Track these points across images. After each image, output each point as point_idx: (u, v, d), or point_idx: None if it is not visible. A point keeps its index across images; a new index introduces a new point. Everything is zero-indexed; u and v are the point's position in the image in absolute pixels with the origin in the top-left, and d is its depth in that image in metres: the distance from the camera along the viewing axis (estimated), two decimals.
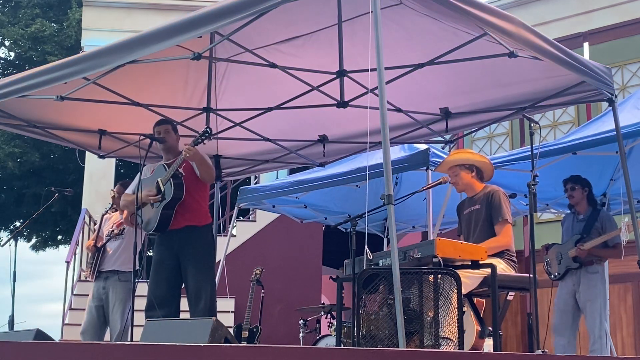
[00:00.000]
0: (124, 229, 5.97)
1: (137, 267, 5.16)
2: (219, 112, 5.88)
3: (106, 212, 6.11)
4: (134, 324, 4.84)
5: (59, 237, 17.01)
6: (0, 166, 14.70)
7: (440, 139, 6.09)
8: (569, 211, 6.11)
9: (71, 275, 9.06)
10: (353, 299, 3.85)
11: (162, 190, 5.09)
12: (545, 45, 4.19)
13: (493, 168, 4.93)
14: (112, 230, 6.03)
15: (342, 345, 5.04)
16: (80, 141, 6.03)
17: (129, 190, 5.51)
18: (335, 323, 6.88)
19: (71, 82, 4.42)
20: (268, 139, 6.26)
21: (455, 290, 3.69)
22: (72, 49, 14.17)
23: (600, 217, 5.83)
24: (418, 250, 3.97)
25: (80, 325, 6.05)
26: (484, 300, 5.47)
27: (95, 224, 9.44)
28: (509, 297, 4.65)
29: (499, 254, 4.49)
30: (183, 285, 5.19)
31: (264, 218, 10.43)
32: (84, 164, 10.97)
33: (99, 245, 5.99)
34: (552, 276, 5.89)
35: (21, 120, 5.55)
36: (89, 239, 6.71)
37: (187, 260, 5.09)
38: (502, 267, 4.38)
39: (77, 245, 9.40)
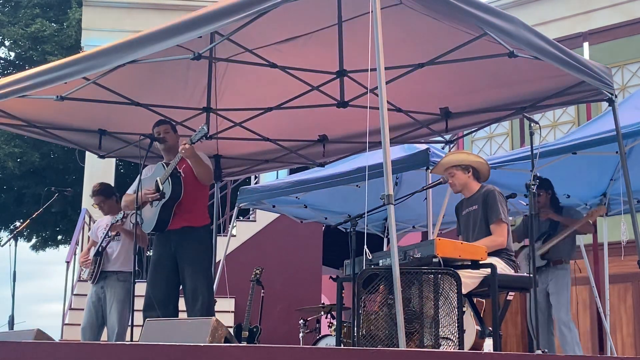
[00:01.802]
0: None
1: (137, 268, 5.16)
2: (219, 112, 5.88)
3: (116, 221, 6.01)
4: (134, 324, 4.85)
5: (59, 237, 17.01)
6: (0, 166, 14.69)
7: (440, 139, 6.09)
8: None
9: (71, 275, 9.05)
10: (353, 299, 3.85)
11: (161, 189, 5.10)
12: (545, 45, 4.19)
13: (489, 168, 4.92)
14: (108, 233, 6.01)
15: (342, 345, 5.04)
16: (80, 141, 6.03)
17: (129, 191, 5.52)
18: (335, 323, 6.88)
19: (71, 82, 4.43)
20: (268, 139, 6.26)
21: (455, 290, 3.69)
22: (72, 49, 14.16)
23: (564, 213, 6.03)
24: (418, 250, 3.96)
25: (80, 325, 6.05)
26: (484, 300, 5.47)
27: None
28: (509, 297, 4.65)
29: (497, 254, 4.48)
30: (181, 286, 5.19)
31: (264, 218, 10.42)
32: (84, 164, 10.97)
33: (100, 250, 5.98)
34: None
35: (21, 120, 5.55)
36: (88, 242, 6.67)
37: (184, 260, 5.09)
38: (501, 267, 4.37)
39: (77, 245, 9.39)
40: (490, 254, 4.30)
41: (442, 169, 4.90)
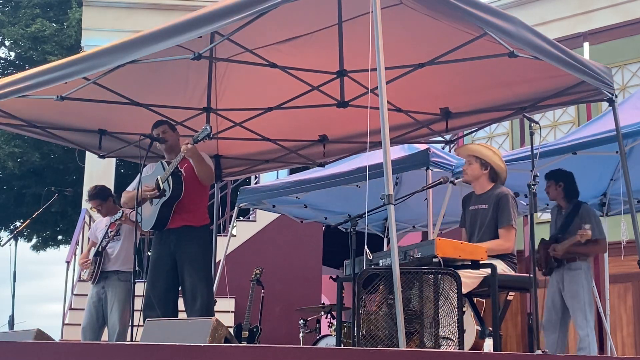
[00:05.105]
0: (118, 229, 5.97)
1: (137, 268, 5.16)
2: (219, 112, 5.88)
3: (115, 220, 6.01)
4: (134, 323, 4.85)
5: (59, 237, 17.02)
6: (0, 166, 14.69)
7: (440, 139, 6.09)
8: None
9: (71, 275, 9.06)
10: (353, 299, 3.85)
11: (162, 187, 5.10)
12: (545, 45, 4.19)
13: (506, 176, 4.88)
14: (107, 233, 6.01)
15: (342, 345, 5.04)
16: (80, 141, 6.03)
17: (129, 188, 5.52)
18: (335, 323, 6.88)
19: (71, 82, 4.43)
20: (268, 139, 6.26)
21: (455, 290, 3.69)
22: (72, 49, 14.17)
23: (580, 213, 5.73)
24: (418, 250, 3.96)
25: (80, 325, 6.06)
26: (484, 300, 5.47)
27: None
28: (509, 297, 4.65)
29: (501, 257, 4.48)
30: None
31: (264, 218, 10.42)
32: (84, 164, 10.97)
33: (100, 250, 5.98)
34: (542, 271, 5.85)
35: (21, 120, 5.55)
36: (87, 243, 6.68)
37: (183, 260, 5.09)
38: (502, 268, 4.38)
39: (77, 245, 9.40)
40: (494, 257, 4.30)
41: (465, 153, 4.88)
